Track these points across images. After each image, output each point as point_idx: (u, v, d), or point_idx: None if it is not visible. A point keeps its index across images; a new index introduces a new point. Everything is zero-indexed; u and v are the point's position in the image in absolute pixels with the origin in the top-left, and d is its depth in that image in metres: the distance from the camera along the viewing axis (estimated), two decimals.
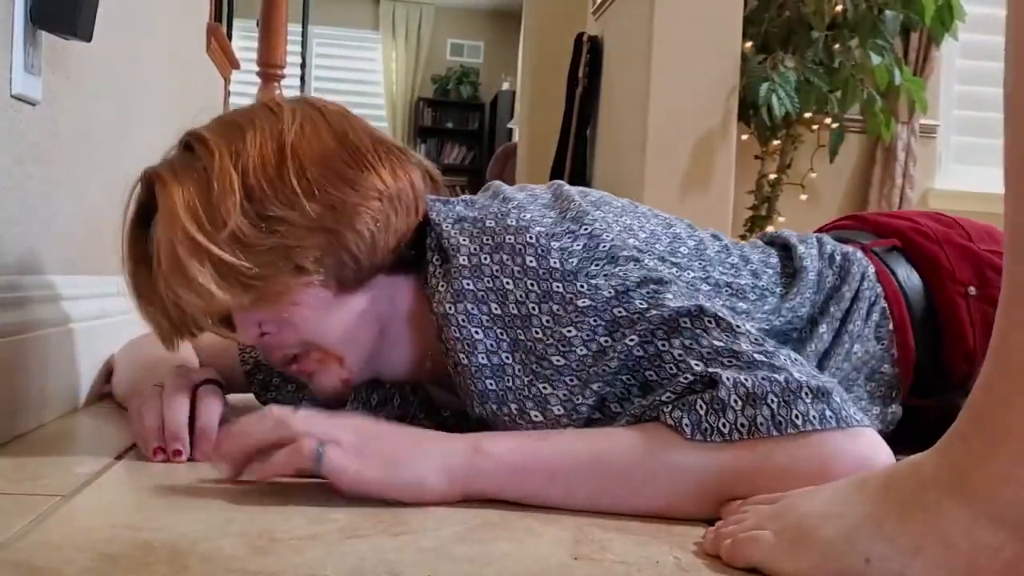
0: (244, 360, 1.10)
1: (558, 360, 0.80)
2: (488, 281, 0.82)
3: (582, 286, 0.80)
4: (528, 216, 0.85)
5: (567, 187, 0.93)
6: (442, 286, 0.84)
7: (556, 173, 3.33)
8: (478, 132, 8.13)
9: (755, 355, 0.75)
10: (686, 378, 0.75)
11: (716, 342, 0.76)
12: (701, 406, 0.73)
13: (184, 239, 0.81)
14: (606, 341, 0.79)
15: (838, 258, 1.01)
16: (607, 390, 0.79)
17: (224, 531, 0.65)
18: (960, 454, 0.55)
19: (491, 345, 0.82)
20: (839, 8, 2.85)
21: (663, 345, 0.78)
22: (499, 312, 0.82)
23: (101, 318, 1.19)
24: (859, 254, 1.02)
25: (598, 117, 3.33)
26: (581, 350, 0.79)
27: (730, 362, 0.75)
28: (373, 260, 0.87)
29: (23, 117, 1.00)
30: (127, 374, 1.14)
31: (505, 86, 7.69)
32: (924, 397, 1.01)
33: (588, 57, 3.32)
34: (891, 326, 0.99)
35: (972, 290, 1.00)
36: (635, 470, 0.73)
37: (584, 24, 3.55)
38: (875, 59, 2.86)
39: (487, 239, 0.83)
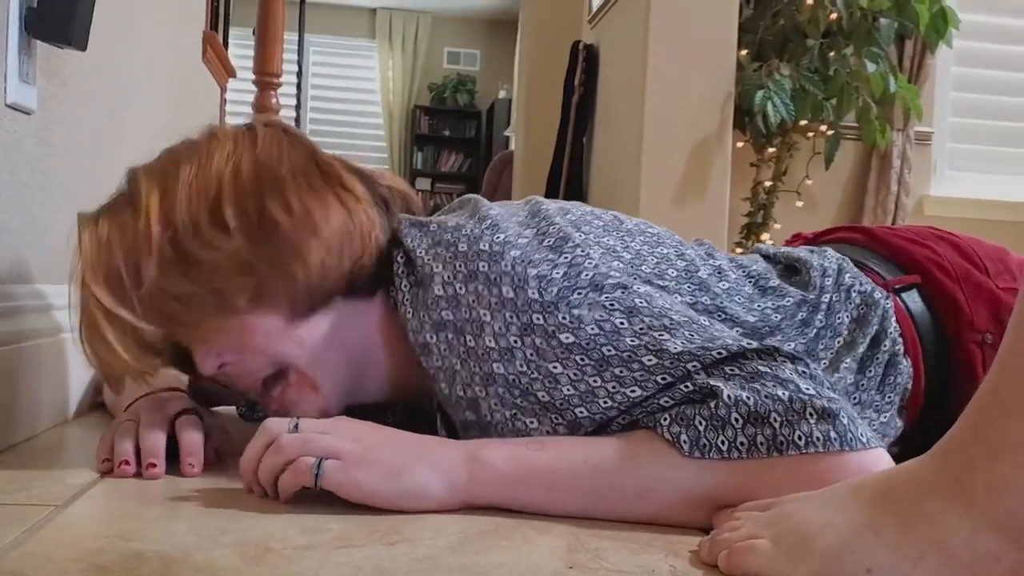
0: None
1: (543, 396, 0.77)
2: (465, 312, 0.79)
3: (564, 317, 0.77)
4: (502, 238, 0.81)
5: (545, 204, 0.89)
6: (420, 314, 0.82)
7: (553, 181, 3.33)
8: (475, 140, 8.14)
9: (760, 367, 0.73)
10: (686, 386, 0.74)
11: (724, 365, 0.74)
12: (700, 422, 0.71)
13: (92, 299, 0.81)
14: (595, 382, 0.76)
15: (855, 296, 0.92)
16: (596, 423, 0.77)
17: (217, 541, 0.65)
18: (960, 461, 0.55)
19: (466, 378, 0.80)
20: (834, 16, 2.86)
21: (664, 387, 0.74)
22: (473, 344, 0.79)
23: None
24: (877, 294, 0.93)
25: (594, 125, 3.33)
26: (568, 389, 0.76)
27: (732, 371, 0.73)
28: (324, 285, 0.84)
29: (17, 126, 0.99)
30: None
31: (502, 94, 7.70)
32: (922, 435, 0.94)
33: (584, 65, 3.33)
34: (906, 380, 0.91)
35: (989, 338, 0.93)
36: (630, 483, 0.72)
37: (580, 32, 3.55)
38: (870, 67, 2.87)
39: (460, 265, 0.80)
